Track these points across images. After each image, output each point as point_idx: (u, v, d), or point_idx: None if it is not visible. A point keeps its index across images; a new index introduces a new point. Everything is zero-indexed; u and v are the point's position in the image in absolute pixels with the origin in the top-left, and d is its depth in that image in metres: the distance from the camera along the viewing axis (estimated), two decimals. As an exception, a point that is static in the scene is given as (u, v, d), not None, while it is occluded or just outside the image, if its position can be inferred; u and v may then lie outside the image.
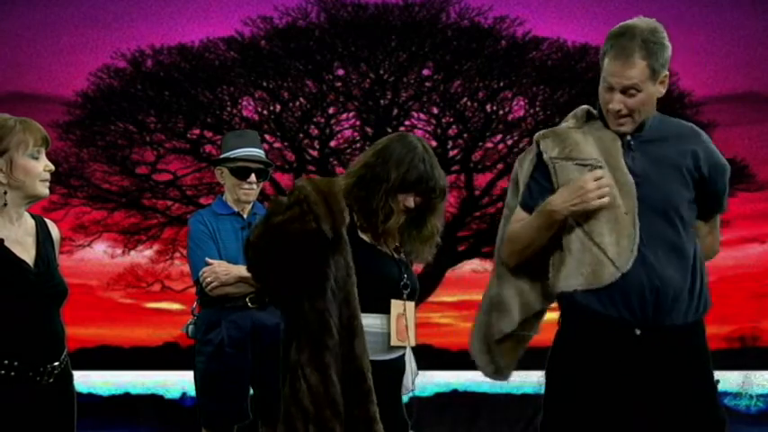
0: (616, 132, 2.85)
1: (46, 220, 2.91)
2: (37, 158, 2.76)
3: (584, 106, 3.00)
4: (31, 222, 2.84)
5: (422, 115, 19.12)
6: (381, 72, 18.72)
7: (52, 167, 2.81)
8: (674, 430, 2.78)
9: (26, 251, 2.77)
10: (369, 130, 18.97)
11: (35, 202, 2.83)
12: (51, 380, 2.76)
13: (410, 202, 3.11)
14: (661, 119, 2.91)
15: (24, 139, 2.73)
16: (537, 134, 2.95)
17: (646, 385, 2.78)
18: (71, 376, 2.88)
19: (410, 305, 3.12)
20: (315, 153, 18.98)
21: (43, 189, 2.77)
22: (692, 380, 2.80)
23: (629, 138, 2.84)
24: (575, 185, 2.77)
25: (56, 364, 2.77)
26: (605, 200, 2.74)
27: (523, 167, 2.95)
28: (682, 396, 2.78)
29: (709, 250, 3.00)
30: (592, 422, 2.79)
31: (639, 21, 2.79)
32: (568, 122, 2.97)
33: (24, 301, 2.71)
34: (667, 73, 2.81)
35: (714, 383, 2.85)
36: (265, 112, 18.83)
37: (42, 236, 2.84)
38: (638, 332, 2.77)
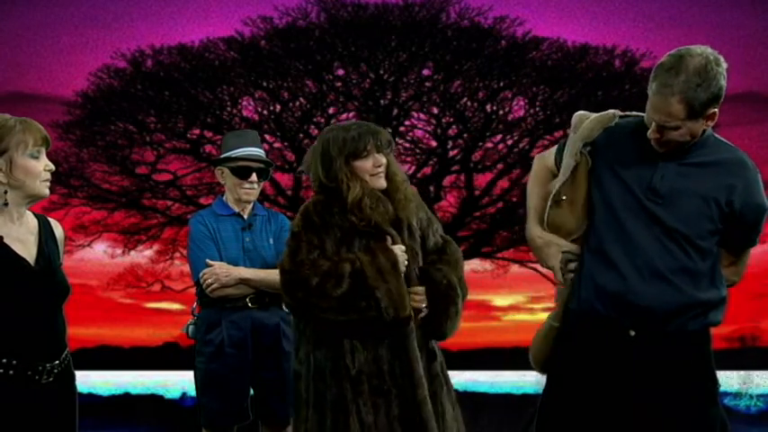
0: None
1: (49, 219, 2.92)
2: (37, 158, 2.77)
3: None
4: (33, 221, 2.85)
5: (422, 115, 19.14)
6: (381, 72, 18.72)
7: (52, 167, 2.82)
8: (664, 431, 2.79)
9: (27, 249, 2.77)
10: (369, 130, 18.94)
11: (36, 202, 2.83)
12: (51, 379, 2.75)
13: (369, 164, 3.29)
14: (713, 142, 2.87)
15: (24, 139, 2.73)
16: (610, 114, 2.94)
17: (639, 386, 2.79)
18: (73, 376, 2.87)
19: None
20: (315, 153, 18.96)
21: (44, 189, 2.78)
22: (686, 386, 2.81)
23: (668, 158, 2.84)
24: (549, 255, 2.95)
25: (56, 363, 2.77)
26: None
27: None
28: (674, 399, 2.79)
29: (726, 278, 2.96)
30: (585, 420, 2.80)
31: (693, 54, 2.70)
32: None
33: (24, 299, 2.71)
34: (715, 110, 2.74)
35: (714, 393, 2.85)
36: (265, 112, 18.84)
37: (45, 234, 2.84)
38: (632, 333, 2.79)
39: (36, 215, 2.88)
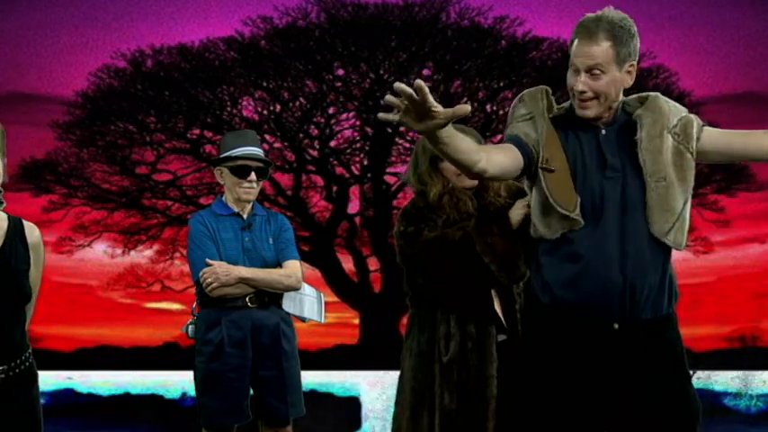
0: (585, 121, 2.83)
1: (26, 223, 2.88)
2: None
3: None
4: (2, 225, 2.82)
5: (422, 115, 19.10)
6: (381, 72, 18.72)
7: None
8: (649, 422, 2.79)
9: None
10: (369, 130, 18.96)
11: None
12: None
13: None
14: (623, 103, 2.90)
15: None
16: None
17: (623, 378, 2.79)
18: (33, 378, 2.84)
19: None
20: (315, 153, 18.99)
21: None
22: (667, 372, 2.82)
23: (603, 131, 2.83)
24: None
25: (3, 367, 2.74)
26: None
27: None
28: (657, 388, 2.80)
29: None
30: (569, 417, 2.79)
31: (609, 10, 2.79)
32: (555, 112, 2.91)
33: None
34: (635, 63, 2.78)
35: (688, 374, 2.87)
36: (265, 112, 18.84)
37: (12, 238, 2.81)
38: (616, 326, 2.78)
39: (10, 218, 2.85)
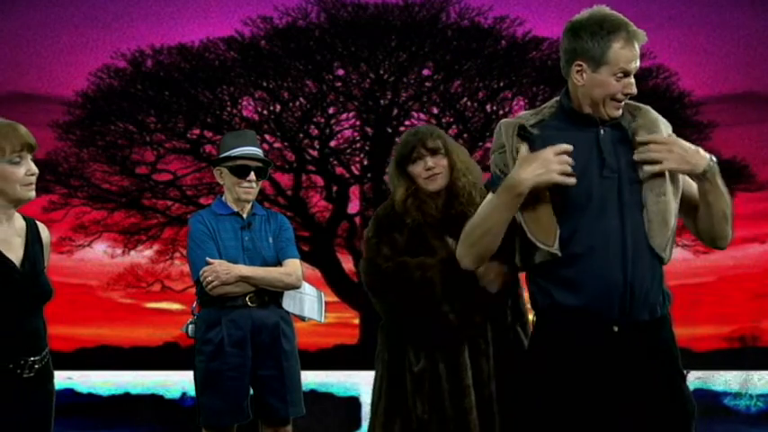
0: (594, 123, 2.83)
1: (38, 222, 2.94)
2: (17, 164, 2.76)
3: (557, 101, 2.96)
4: (21, 224, 2.87)
5: (422, 115, 19.14)
6: (381, 72, 18.74)
7: (35, 171, 2.81)
8: (645, 422, 2.79)
9: (13, 251, 2.80)
10: (369, 130, 18.99)
11: (22, 205, 2.85)
12: (32, 374, 2.81)
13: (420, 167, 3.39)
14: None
15: (1, 146, 2.73)
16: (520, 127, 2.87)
17: (620, 380, 2.79)
18: (51, 374, 2.93)
19: None
20: (315, 153, 19.02)
21: (26, 193, 2.79)
22: (662, 372, 2.82)
23: (602, 131, 2.83)
24: (538, 156, 2.70)
25: (36, 358, 2.81)
26: (567, 179, 2.68)
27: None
28: (652, 388, 2.80)
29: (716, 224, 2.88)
30: (571, 420, 2.79)
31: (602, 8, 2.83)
32: (546, 118, 2.92)
33: (8, 299, 2.74)
34: None
35: (683, 374, 2.88)
36: (265, 112, 18.86)
37: (32, 238, 2.87)
38: (615, 329, 2.78)
39: (24, 218, 2.90)
